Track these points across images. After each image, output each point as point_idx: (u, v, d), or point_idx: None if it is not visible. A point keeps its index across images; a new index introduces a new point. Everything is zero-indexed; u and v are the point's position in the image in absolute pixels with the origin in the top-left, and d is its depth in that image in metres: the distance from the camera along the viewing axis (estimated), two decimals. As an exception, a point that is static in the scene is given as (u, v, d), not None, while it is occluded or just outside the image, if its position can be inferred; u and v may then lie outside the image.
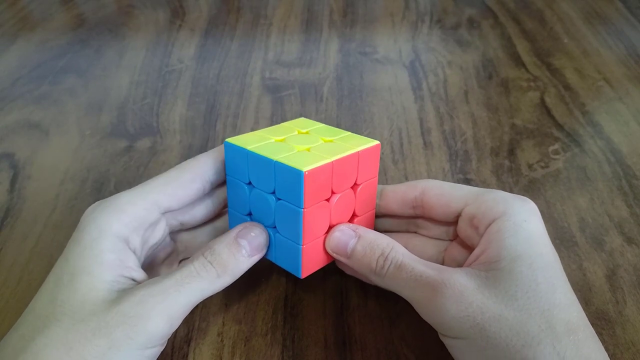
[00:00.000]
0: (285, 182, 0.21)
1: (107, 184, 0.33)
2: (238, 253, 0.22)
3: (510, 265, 0.19)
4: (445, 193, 0.23)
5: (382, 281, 0.22)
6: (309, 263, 0.23)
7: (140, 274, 0.21)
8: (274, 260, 0.23)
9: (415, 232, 0.26)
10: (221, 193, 0.26)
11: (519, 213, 0.21)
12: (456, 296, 0.19)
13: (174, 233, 0.25)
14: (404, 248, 0.22)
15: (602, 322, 0.25)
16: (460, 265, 0.22)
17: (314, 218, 0.22)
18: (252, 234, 0.22)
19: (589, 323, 0.19)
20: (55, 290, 0.19)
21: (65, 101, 0.41)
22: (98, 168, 0.35)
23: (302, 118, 0.28)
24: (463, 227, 0.23)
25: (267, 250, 0.23)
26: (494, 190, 0.23)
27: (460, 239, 0.24)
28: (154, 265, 0.24)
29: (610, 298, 0.26)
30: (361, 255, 0.22)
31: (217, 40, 0.48)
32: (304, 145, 0.23)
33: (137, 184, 0.23)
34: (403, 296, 0.21)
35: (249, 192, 0.23)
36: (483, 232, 0.21)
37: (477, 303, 0.19)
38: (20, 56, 0.46)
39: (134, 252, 0.21)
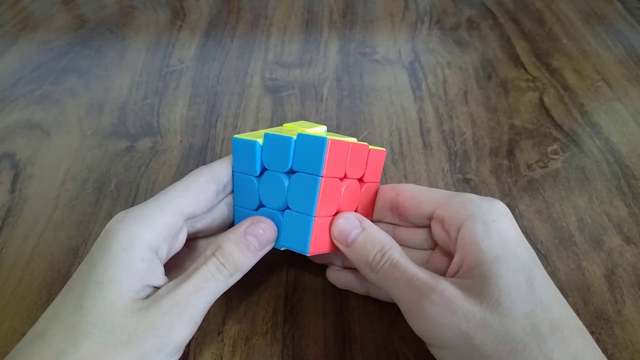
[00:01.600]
0: (306, 153, 0.22)
1: (108, 184, 0.33)
2: (247, 250, 0.22)
3: (491, 270, 0.19)
4: (417, 196, 0.24)
5: (375, 277, 0.22)
6: (317, 241, 0.23)
7: (162, 281, 0.21)
8: (280, 244, 0.23)
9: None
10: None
11: (487, 213, 0.21)
12: (443, 303, 0.19)
13: (188, 240, 0.25)
14: (401, 250, 0.22)
15: (600, 321, 0.25)
16: (442, 273, 0.22)
17: (328, 191, 0.22)
18: (260, 230, 0.23)
19: (574, 317, 0.19)
20: (81, 298, 0.19)
21: (67, 101, 0.41)
22: (99, 168, 0.35)
23: (303, 121, 0.29)
24: (436, 231, 0.23)
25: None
26: (464, 193, 0.23)
27: (440, 247, 0.24)
28: (168, 269, 0.24)
29: (609, 298, 0.26)
30: (361, 246, 0.22)
31: (218, 41, 0.48)
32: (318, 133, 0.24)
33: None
34: (392, 296, 0.21)
35: (258, 183, 0.23)
36: (455, 236, 0.21)
37: (463, 311, 0.19)
38: (22, 56, 0.46)
39: (161, 260, 0.22)
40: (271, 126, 0.38)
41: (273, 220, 0.23)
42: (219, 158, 0.35)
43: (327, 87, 0.42)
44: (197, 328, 0.21)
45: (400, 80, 0.43)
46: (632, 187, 0.33)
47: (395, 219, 0.25)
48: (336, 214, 0.23)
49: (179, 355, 0.21)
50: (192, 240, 0.26)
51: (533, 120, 0.38)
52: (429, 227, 0.24)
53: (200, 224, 0.24)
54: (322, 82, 0.42)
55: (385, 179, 0.34)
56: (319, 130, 0.27)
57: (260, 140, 0.23)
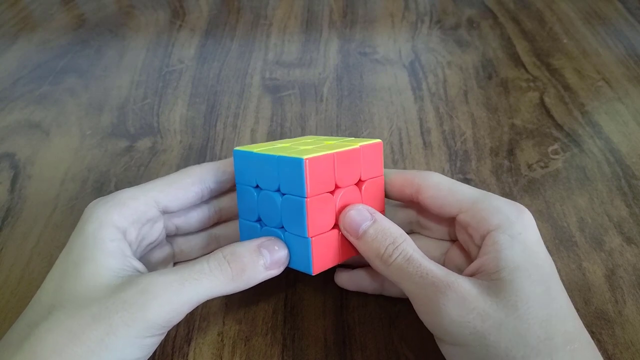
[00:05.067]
0: (289, 175, 0.21)
1: (107, 184, 0.33)
2: (257, 262, 0.22)
3: (510, 276, 0.19)
4: (439, 196, 0.23)
5: (387, 270, 0.21)
6: (320, 259, 0.22)
7: (140, 265, 0.22)
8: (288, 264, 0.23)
9: (419, 233, 0.26)
10: (218, 202, 0.26)
11: (514, 225, 0.21)
12: (459, 300, 0.19)
13: (170, 236, 0.26)
14: (415, 244, 0.22)
15: (601, 321, 0.25)
16: (459, 268, 0.22)
17: (317, 209, 0.22)
18: (276, 247, 0.22)
19: (585, 332, 0.19)
20: (61, 280, 0.20)
21: (66, 101, 0.41)
22: (99, 168, 0.35)
23: (310, 136, 0.29)
24: (460, 233, 0.23)
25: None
26: (488, 196, 0.22)
27: (459, 242, 0.24)
28: (150, 265, 0.25)
29: (610, 298, 0.26)
30: (372, 238, 0.22)
31: (218, 41, 0.48)
32: (307, 146, 0.24)
33: (137, 184, 0.23)
34: (404, 290, 0.21)
35: (257, 196, 0.23)
36: (479, 242, 0.21)
37: (479, 310, 0.18)
38: (21, 56, 0.46)
39: (130, 245, 0.22)
40: (271, 126, 0.38)
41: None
42: (219, 158, 0.35)
43: (327, 87, 0.42)
44: (177, 318, 0.20)
45: (401, 80, 0.43)
46: (632, 187, 0.33)
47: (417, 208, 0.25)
48: (334, 227, 0.23)
49: (155, 339, 0.20)
50: (173, 236, 0.26)
51: (533, 120, 0.38)
52: (451, 221, 0.24)
53: (178, 219, 0.25)
54: (322, 82, 0.42)
55: (386, 179, 0.34)
56: (324, 137, 0.26)
57: (257, 150, 0.23)
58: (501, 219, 0.21)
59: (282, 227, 0.23)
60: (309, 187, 0.21)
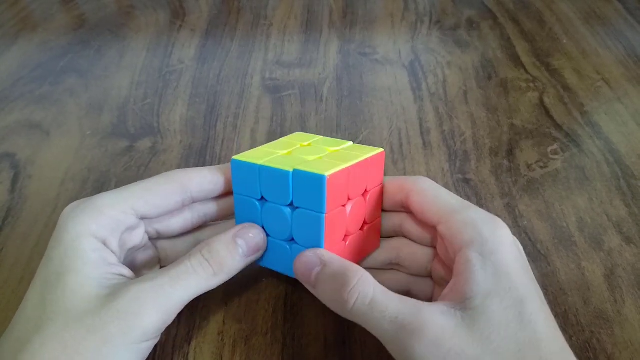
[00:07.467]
0: (305, 189, 0.21)
1: (107, 183, 0.34)
2: (235, 252, 0.22)
3: (483, 304, 0.18)
4: (424, 202, 0.23)
5: (350, 316, 0.20)
6: None
7: (126, 270, 0.21)
8: (292, 274, 0.23)
9: (409, 239, 0.25)
10: (201, 207, 0.25)
11: (487, 242, 0.20)
12: (434, 342, 0.18)
13: (153, 240, 0.25)
14: (373, 279, 0.20)
15: (600, 321, 0.25)
16: (445, 279, 0.22)
17: (333, 223, 0.22)
18: (250, 234, 0.23)
19: (565, 351, 0.19)
20: (44, 291, 0.20)
21: (66, 101, 0.41)
22: (99, 168, 0.35)
23: (299, 132, 0.28)
24: (439, 245, 0.23)
25: (283, 265, 0.23)
26: (467, 208, 0.22)
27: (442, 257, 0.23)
28: (135, 268, 0.24)
29: (609, 297, 0.27)
30: (324, 285, 0.21)
31: (218, 41, 0.48)
32: (312, 155, 0.23)
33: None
34: (374, 334, 0.20)
35: (261, 208, 0.23)
36: (453, 257, 0.21)
37: (455, 349, 0.18)
38: (21, 56, 0.46)
39: (114, 252, 0.22)
40: (271, 127, 0.38)
41: (280, 250, 0.23)
42: (219, 158, 0.35)
43: (327, 87, 0.42)
44: (170, 319, 0.20)
45: (400, 80, 0.43)
46: (632, 187, 0.33)
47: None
48: (345, 236, 0.23)
49: (151, 343, 0.20)
50: (157, 240, 0.25)
51: (533, 121, 0.38)
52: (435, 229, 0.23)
53: (159, 225, 0.24)
54: (322, 82, 0.42)
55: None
56: (318, 140, 0.26)
57: (262, 161, 0.22)
58: (474, 236, 0.20)
59: (291, 239, 0.22)
60: (328, 203, 0.21)
